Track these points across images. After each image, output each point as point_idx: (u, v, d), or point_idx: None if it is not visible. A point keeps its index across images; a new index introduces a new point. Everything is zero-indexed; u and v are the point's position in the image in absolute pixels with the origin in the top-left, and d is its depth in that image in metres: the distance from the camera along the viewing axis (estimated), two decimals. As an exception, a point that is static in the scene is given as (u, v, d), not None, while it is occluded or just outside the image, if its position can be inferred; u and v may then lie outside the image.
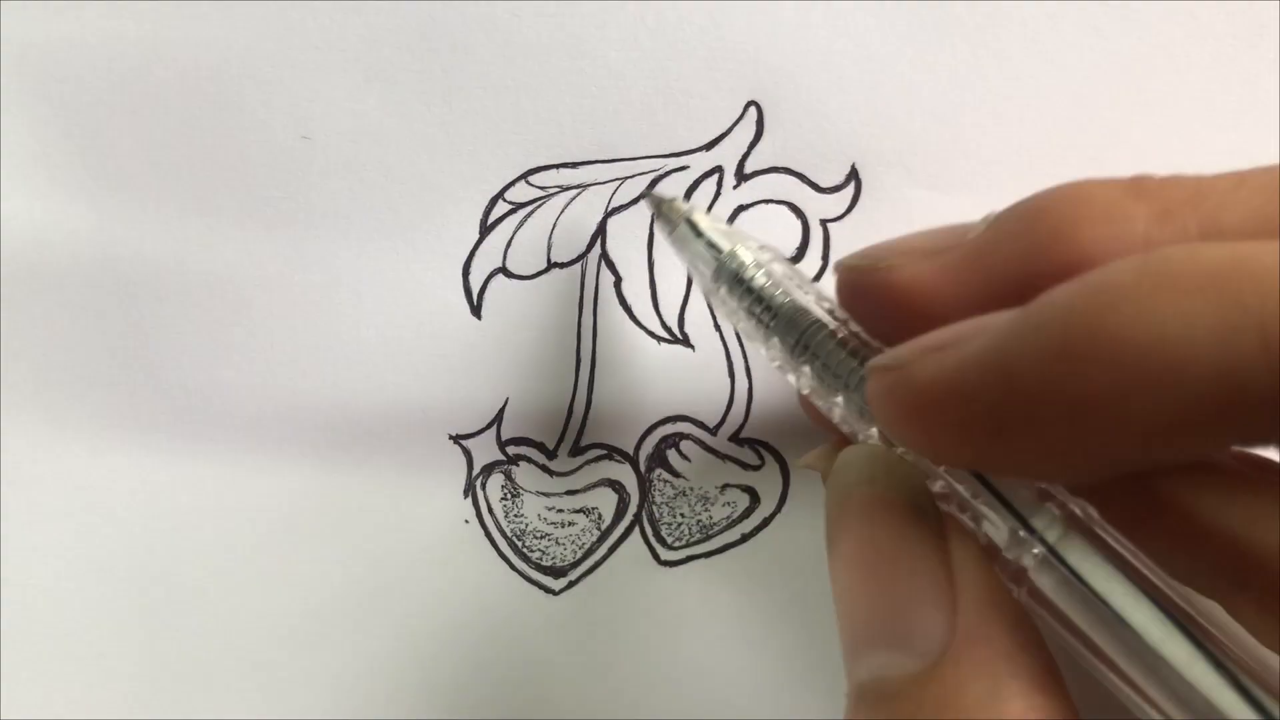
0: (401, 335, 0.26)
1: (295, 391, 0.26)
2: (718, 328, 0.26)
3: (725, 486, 0.27)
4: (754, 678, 0.28)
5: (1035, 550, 0.15)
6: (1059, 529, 0.15)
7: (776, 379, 0.26)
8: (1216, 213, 0.16)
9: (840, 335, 0.19)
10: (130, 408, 0.26)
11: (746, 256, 0.21)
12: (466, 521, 0.27)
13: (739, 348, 0.26)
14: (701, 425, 0.27)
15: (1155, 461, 0.15)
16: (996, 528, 0.16)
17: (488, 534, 0.27)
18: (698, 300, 0.26)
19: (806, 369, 0.20)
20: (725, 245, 0.22)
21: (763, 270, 0.21)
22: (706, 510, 0.27)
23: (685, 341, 0.26)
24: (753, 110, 0.25)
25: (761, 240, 0.22)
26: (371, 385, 0.26)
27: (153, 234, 0.25)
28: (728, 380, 0.27)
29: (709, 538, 0.27)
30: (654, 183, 0.26)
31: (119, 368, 0.26)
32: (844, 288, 0.20)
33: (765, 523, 0.27)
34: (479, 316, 0.26)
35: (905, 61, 0.25)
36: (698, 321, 0.26)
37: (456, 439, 0.26)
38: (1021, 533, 0.16)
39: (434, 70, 0.25)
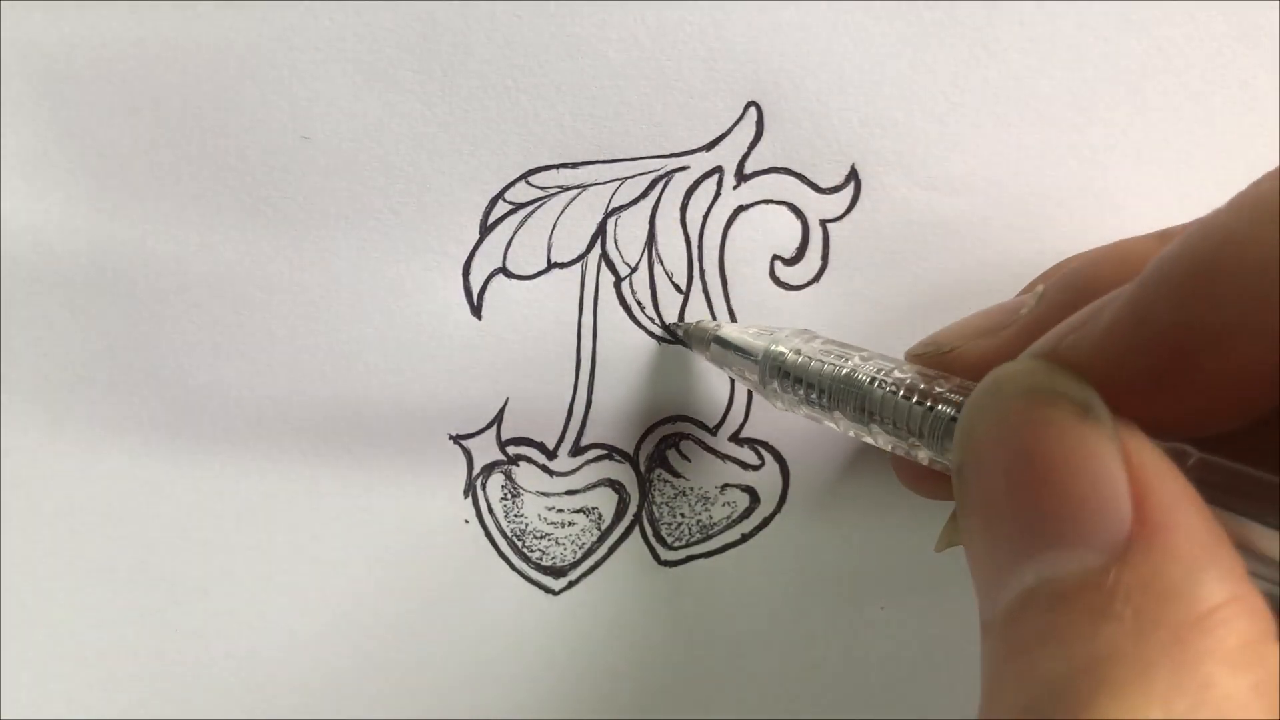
0: (401, 335, 0.26)
1: (295, 391, 0.26)
2: (718, 328, 0.26)
3: (725, 486, 0.27)
4: (753, 677, 0.28)
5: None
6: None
7: (776, 379, 0.26)
8: None
9: (896, 388, 0.20)
10: (130, 408, 0.26)
11: (782, 350, 0.22)
12: (466, 521, 0.27)
13: (739, 348, 0.26)
14: (701, 425, 0.27)
15: None
16: None
17: (488, 534, 0.27)
18: (698, 300, 0.26)
19: (877, 428, 0.20)
20: (759, 346, 0.23)
21: (801, 356, 0.22)
22: (706, 510, 0.27)
23: (685, 342, 0.26)
24: (753, 110, 0.25)
25: (792, 327, 0.23)
26: (371, 385, 0.26)
27: (153, 234, 0.25)
28: (728, 380, 0.27)
29: (709, 538, 0.27)
30: (664, 178, 0.26)
31: (119, 368, 0.26)
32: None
33: (765, 523, 0.27)
34: (479, 316, 0.26)
35: (905, 61, 0.25)
36: (698, 321, 0.26)
37: (456, 439, 0.26)
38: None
39: (434, 70, 0.25)
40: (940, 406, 0.19)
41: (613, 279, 0.26)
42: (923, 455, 0.20)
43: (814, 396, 0.21)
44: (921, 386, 0.19)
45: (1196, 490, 0.15)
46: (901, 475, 0.25)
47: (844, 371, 0.21)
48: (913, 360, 0.22)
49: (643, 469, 0.27)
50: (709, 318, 0.26)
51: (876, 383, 0.20)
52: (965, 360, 0.21)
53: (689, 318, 0.26)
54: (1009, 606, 0.15)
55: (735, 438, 0.27)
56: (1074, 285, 0.20)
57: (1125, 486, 0.14)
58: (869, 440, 0.21)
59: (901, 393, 0.20)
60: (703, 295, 0.26)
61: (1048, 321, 0.18)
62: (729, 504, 0.27)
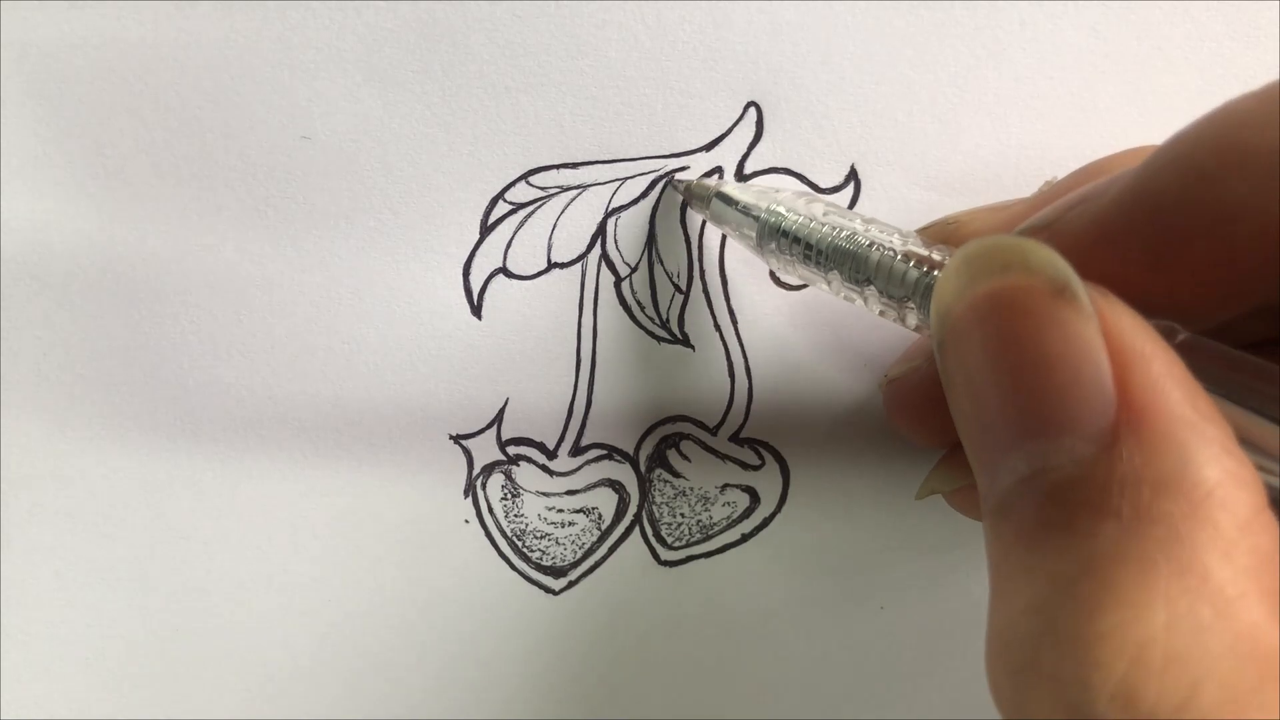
0: (401, 335, 0.26)
1: (295, 391, 0.26)
2: (718, 327, 0.26)
3: (725, 486, 0.27)
4: (753, 677, 0.28)
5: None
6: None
7: (777, 379, 0.26)
8: None
9: (894, 252, 0.20)
10: (130, 408, 0.26)
11: (782, 209, 0.22)
12: (466, 521, 0.27)
13: (739, 348, 0.26)
14: (701, 425, 0.27)
15: None
16: None
17: (488, 534, 0.27)
18: (698, 300, 0.26)
19: (872, 289, 0.20)
20: (761, 205, 0.23)
21: (801, 216, 0.22)
22: (706, 510, 0.27)
23: (685, 341, 0.26)
24: (753, 110, 0.25)
25: (794, 187, 0.23)
26: (371, 385, 0.26)
27: (153, 234, 0.25)
28: (728, 380, 0.27)
29: (709, 538, 0.27)
30: (664, 178, 0.26)
31: (119, 368, 0.26)
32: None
33: (765, 523, 0.27)
34: (479, 316, 0.26)
35: (905, 61, 0.25)
36: (698, 321, 0.26)
37: (456, 439, 0.26)
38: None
39: (434, 70, 0.25)
40: (935, 272, 0.19)
41: (613, 279, 0.26)
42: (912, 320, 0.20)
43: (812, 256, 0.21)
44: (920, 252, 0.20)
45: (1180, 361, 0.14)
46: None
47: (844, 233, 0.21)
48: (921, 234, 0.22)
49: (643, 469, 0.27)
50: (714, 178, 0.25)
51: (875, 245, 0.20)
52: (968, 232, 0.21)
53: (689, 319, 0.26)
54: (1005, 493, 0.15)
55: (735, 438, 0.27)
56: (1086, 172, 0.20)
57: (1107, 367, 0.14)
58: (861, 304, 0.21)
59: (899, 256, 0.20)
60: (703, 295, 0.26)
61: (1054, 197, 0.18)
62: (729, 504, 0.27)
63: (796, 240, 0.22)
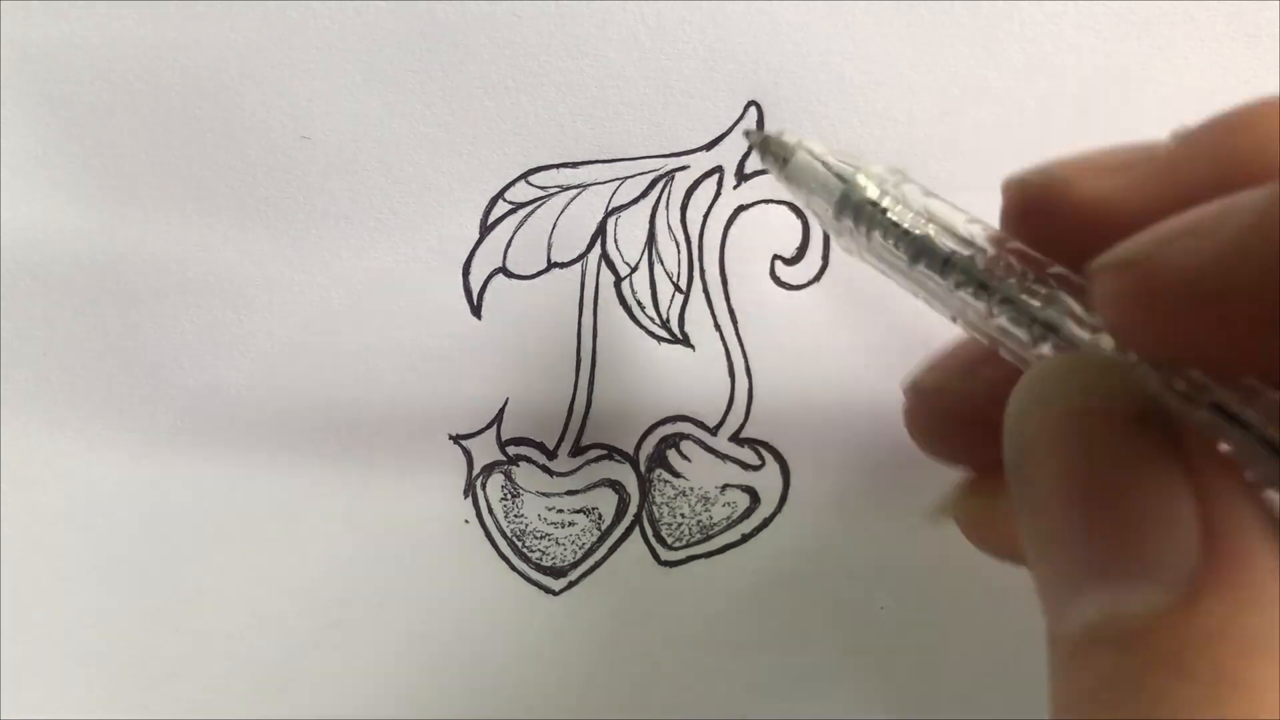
0: (401, 335, 0.26)
1: (295, 391, 0.26)
2: (718, 327, 0.26)
3: (725, 486, 0.27)
4: (753, 678, 0.28)
5: None
6: None
7: (777, 379, 0.26)
8: None
9: (1001, 257, 0.17)
10: (130, 408, 0.26)
11: (870, 184, 0.19)
12: (466, 521, 0.27)
13: (739, 347, 0.26)
14: (701, 425, 0.27)
15: None
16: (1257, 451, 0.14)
17: (488, 534, 0.27)
18: (698, 300, 0.26)
19: (967, 295, 0.18)
20: (842, 175, 0.19)
21: (893, 196, 0.19)
22: (706, 510, 0.27)
23: (685, 341, 0.26)
24: (753, 110, 0.25)
25: (887, 162, 0.20)
26: (371, 385, 0.26)
27: (153, 234, 0.25)
28: (728, 380, 0.27)
29: (709, 538, 0.27)
30: (664, 177, 0.25)
31: (119, 368, 0.26)
32: (1011, 209, 0.18)
33: (765, 523, 0.27)
34: (479, 316, 0.26)
35: (905, 61, 0.25)
36: (698, 321, 0.26)
37: (456, 439, 0.26)
38: None
39: (434, 70, 0.25)
40: (1033, 301, 0.16)
41: (613, 279, 0.26)
42: (1007, 342, 0.17)
43: (892, 247, 0.19)
44: (1019, 270, 0.17)
45: (1268, 507, 0.13)
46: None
47: (938, 227, 0.18)
48: (1013, 188, 0.19)
49: (643, 469, 0.27)
50: (789, 128, 0.23)
51: (978, 248, 0.18)
52: (1078, 197, 0.17)
53: (689, 319, 0.26)
54: (1073, 638, 0.14)
55: (735, 438, 0.27)
56: (1227, 128, 0.16)
57: (1191, 509, 0.13)
58: (947, 317, 0.19)
59: (1015, 270, 0.17)
60: (703, 295, 0.26)
61: (1189, 165, 0.16)
62: (729, 504, 0.27)
63: (882, 223, 0.19)
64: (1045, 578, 0.14)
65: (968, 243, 0.18)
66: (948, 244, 0.18)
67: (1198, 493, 0.13)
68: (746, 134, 0.23)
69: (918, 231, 0.18)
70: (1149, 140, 0.17)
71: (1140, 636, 0.13)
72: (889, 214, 0.18)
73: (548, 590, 0.27)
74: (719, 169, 0.26)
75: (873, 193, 0.19)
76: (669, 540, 0.27)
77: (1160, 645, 0.12)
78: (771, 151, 0.21)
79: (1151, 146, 0.17)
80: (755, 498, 0.27)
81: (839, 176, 0.19)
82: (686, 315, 0.26)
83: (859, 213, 0.19)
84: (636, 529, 0.27)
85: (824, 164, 0.19)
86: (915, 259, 0.18)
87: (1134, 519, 0.13)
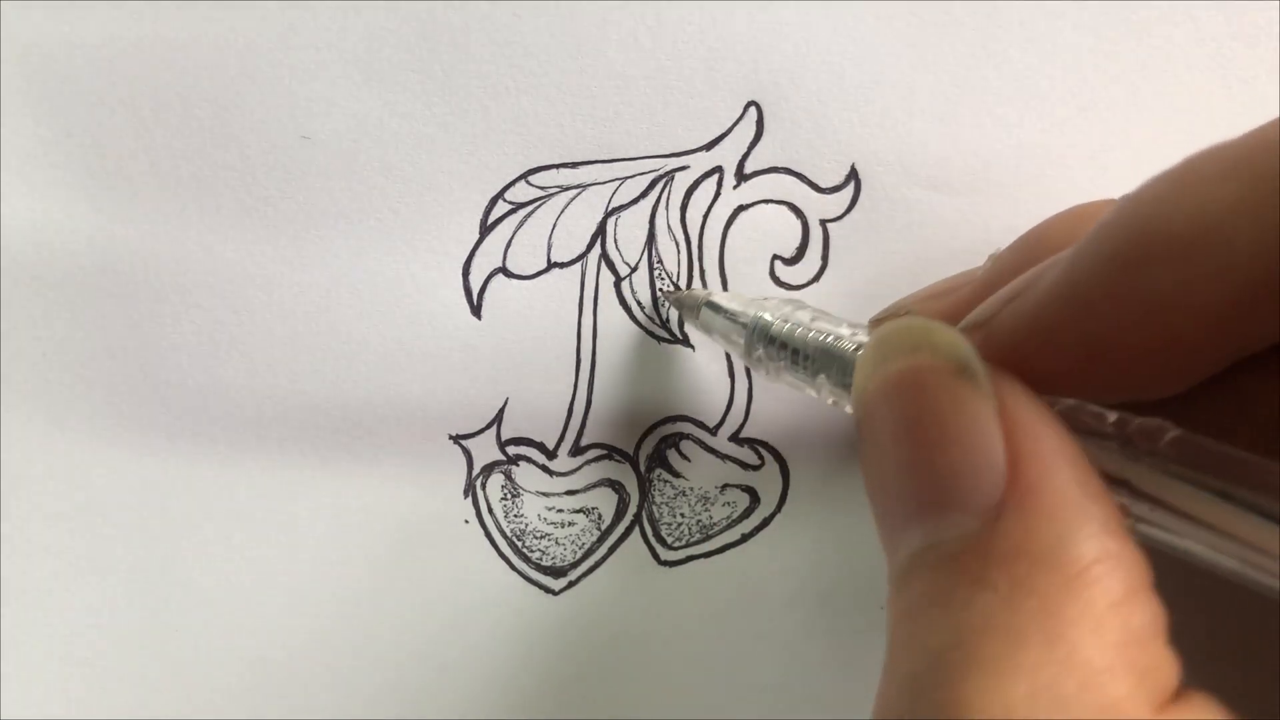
0: (401, 335, 0.26)
1: (295, 391, 0.26)
2: (718, 328, 0.26)
3: (725, 486, 0.27)
4: (753, 677, 0.28)
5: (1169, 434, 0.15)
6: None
7: (776, 379, 0.26)
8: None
9: None
10: (130, 408, 0.26)
11: (768, 316, 0.22)
12: (466, 521, 0.27)
13: (739, 348, 0.26)
14: (701, 425, 0.27)
15: (1238, 351, 0.15)
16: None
17: (488, 534, 0.27)
18: (698, 300, 0.26)
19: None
20: (749, 312, 0.23)
21: (788, 323, 0.22)
22: (706, 510, 0.27)
23: (685, 341, 0.26)
24: (753, 110, 0.25)
25: (783, 295, 0.23)
26: (371, 385, 0.26)
27: (153, 234, 0.25)
28: (728, 380, 0.27)
29: (709, 538, 0.27)
30: (664, 178, 0.26)
31: (119, 368, 0.26)
32: None
33: (765, 523, 0.27)
34: (479, 316, 0.26)
35: (905, 61, 0.25)
36: (698, 321, 0.26)
37: (456, 439, 0.26)
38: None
39: (434, 70, 0.25)
40: None
41: (613, 279, 0.26)
42: None
43: (799, 361, 0.21)
44: None
45: (1074, 441, 0.15)
46: None
47: (829, 337, 0.21)
48: (873, 324, 0.22)
49: (643, 469, 0.27)
50: (702, 290, 0.26)
51: (859, 349, 0.20)
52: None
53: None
54: (899, 569, 0.16)
55: (735, 438, 0.27)
56: (1027, 247, 0.20)
57: (1000, 447, 0.15)
58: (850, 409, 0.21)
59: None
60: (703, 295, 0.26)
61: (999, 285, 0.18)
62: (729, 504, 0.27)
63: (783, 346, 0.22)
64: (881, 520, 0.16)
65: (858, 346, 0.20)
66: (839, 348, 0.20)
67: (1007, 433, 0.15)
68: (664, 295, 0.26)
69: (813, 345, 0.21)
70: (976, 269, 0.22)
71: (953, 558, 0.14)
72: (785, 337, 0.22)
73: (548, 590, 0.27)
74: (719, 169, 0.26)
75: (772, 324, 0.22)
76: (669, 540, 0.27)
77: (968, 564, 0.14)
78: (685, 307, 0.25)
79: (972, 272, 0.22)
80: (755, 497, 0.27)
81: (735, 318, 0.23)
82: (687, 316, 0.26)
83: (768, 344, 0.22)
84: (636, 529, 0.27)
85: (727, 311, 0.23)
86: (816, 369, 0.21)
87: (951, 458, 0.15)
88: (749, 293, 0.26)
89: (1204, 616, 0.16)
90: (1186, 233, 0.14)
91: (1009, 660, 0.13)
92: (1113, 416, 0.16)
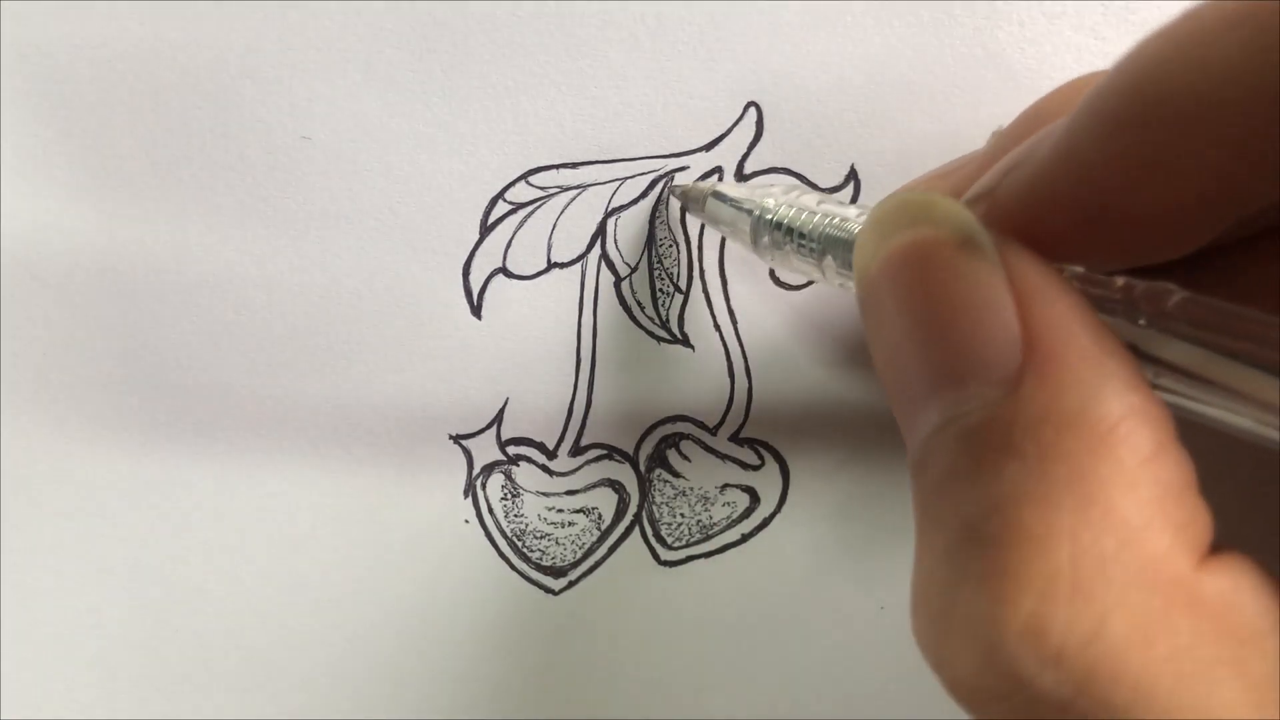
0: (401, 335, 0.26)
1: (295, 391, 0.26)
2: (718, 327, 0.26)
3: (725, 486, 0.27)
4: (753, 678, 0.28)
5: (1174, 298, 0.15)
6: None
7: (776, 379, 0.26)
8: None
9: None
10: (130, 408, 0.26)
11: (771, 202, 0.22)
12: (466, 521, 0.27)
13: (739, 348, 0.26)
14: (701, 425, 0.27)
15: (1241, 210, 0.15)
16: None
17: (488, 534, 0.27)
18: (698, 300, 0.26)
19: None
20: (755, 199, 0.23)
21: (794, 208, 0.21)
22: (706, 510, 0.27)
23: (685, 341, 0.26)
24: (753, 110, 0.25)
25: (789, 182, 0.23)
26: (371, 385, 0.26)
27: (153, 234, 0.25)
28: (728, 380, 0.27)
29: (709, 538, 0.27)
30: (664, 178, 0.26)
31: (119, 368, 0.26)
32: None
33: (765, 523, 0.27)
34: (479, 316, 0.26)
35: (905, 61, 0.25)
36: (698, 321, 0.26)
37: (456, 439, 0.26)
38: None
39: (434, 70, 0.25)
40: None
41: (613, 279, 0.26)
42: None
43: (805, 246, 0.21)
44: None
45: (1087, 303, 0.15)
46: None
47: (834, 219, 0.21)
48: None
49: (643, 469, 0.27)
50: (710, 180, 0.26)
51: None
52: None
53: (689, 319, 0.26)
54: (919, 448, 0.15)
55: (735, 438, 0.27)
56: (1028, 121, 0.20)
57: (1013, 314, 0.14)
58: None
59: None
60: (703, 295, 0.26)
61: (1001, 155, 0.18)
62: (729, 504, 0.27)
63: (789, 231, 0.21)
64: (896, 399, 0.16)
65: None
66: (845, 230, 0.20)
67: (1019, 300, 0.14)
68: (671, 190, 0.25)
69: (821, 231, 0.21)
70: (973, 151, 0.22)
71: (975, 430, 0.14)
72: (790, 222, 0.21)
73: (548, 590, 0.27)
74: (719, 169, 0.26)
75: (779, 211, 0.22)
76: (669, 540, 0.27)
77: (992, 434, 0.14)
78: (690, 199, 0.25)
79: (975, 152, 0.21)
80: (755, 497, 0.27)
81: (740, 206, 0.23)
82: (686, 315, 0.26)
83: (774, 231, 0.22)
84: (636, 529, 0.27)
85: (732, 199, 0.23)
86: (822, 252, 0.21)
87: (963, 328, 0.15)
88: (749, 292, 0.26)
89: (1215, 479, 0.16)
90: (1184, 91, 0.14)
91: (1046, 526, 0.13)
92: (1119, 282, 0.16)
